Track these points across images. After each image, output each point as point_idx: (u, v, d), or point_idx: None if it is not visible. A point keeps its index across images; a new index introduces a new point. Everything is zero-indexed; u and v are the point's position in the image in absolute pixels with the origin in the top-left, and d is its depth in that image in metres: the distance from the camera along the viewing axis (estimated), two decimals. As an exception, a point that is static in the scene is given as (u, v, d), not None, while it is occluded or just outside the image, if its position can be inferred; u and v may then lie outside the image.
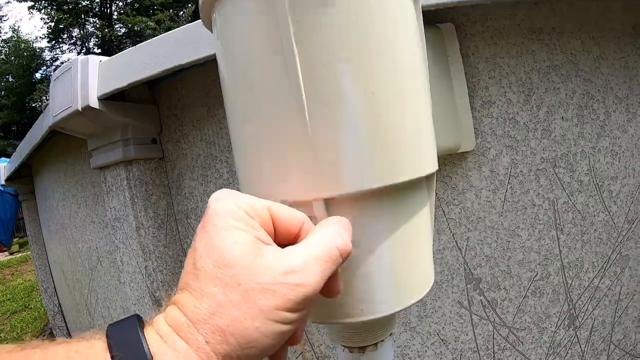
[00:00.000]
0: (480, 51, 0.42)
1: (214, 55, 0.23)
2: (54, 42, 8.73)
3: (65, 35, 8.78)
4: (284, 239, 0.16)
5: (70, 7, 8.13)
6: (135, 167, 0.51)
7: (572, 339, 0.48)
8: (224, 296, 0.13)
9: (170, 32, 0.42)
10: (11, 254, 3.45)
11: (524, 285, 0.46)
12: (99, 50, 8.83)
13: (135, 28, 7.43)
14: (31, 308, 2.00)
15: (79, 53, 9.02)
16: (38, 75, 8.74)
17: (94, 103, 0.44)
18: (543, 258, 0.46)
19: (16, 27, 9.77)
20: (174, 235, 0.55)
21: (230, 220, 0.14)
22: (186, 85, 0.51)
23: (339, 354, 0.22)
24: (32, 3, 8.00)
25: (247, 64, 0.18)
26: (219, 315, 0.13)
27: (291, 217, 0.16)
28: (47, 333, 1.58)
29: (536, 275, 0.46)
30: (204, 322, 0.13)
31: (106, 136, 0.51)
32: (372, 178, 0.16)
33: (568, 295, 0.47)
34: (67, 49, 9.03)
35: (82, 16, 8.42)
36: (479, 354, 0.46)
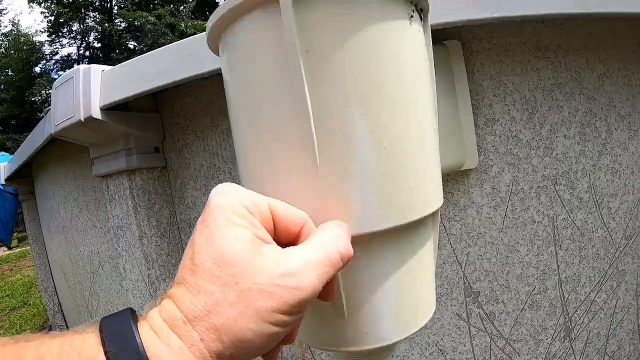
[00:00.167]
0: (485, 68, 0.43)
1: (219, 69, 0.23)
2: (53, 36, 8.66)
3: (65, 29, 8.71)
4: (284, 238, 0.15)
5: (70, 1, 8.06)
6: (138, 177, 0.51)
7: (567, 350, 0.49)
8: (221, 295, 0.13)
9: (174, 43, 0.42)
10: (10, 248, 3.44)
11: (522, 298, 0.46)
12: (99, 45, 8.77)
13: (136, 23, 7.37)
14: (30, 304, 2.00)
15: (78, 47, 8.96)
16: (37, 69, 8.68)
17: (97, 114, 0.44)
18: (541, 273, 0.46)
19: (16, 21, 9.67)
20: (176, 243, 0.55)
21: (231, 216, 0.14)
22: (190, 94, 0.51)
23: None
24: (32, -4, 7.92)
25: (255, 108, 0.18)
26: (215, 314, 0.13)
27: (293, 216, 0.15)
28: (46, 330, 1.59)
29: (534, 289, 0.46)
30: (199, 320, 0.13)
31: (108, 145, 0.51)
32: (380, 222, 0.17)
33: (564, 309, 0.47)
34: (67, 43, 8.98)
35: (82, 10, 8.34)
36: (476, 366, 0.47)
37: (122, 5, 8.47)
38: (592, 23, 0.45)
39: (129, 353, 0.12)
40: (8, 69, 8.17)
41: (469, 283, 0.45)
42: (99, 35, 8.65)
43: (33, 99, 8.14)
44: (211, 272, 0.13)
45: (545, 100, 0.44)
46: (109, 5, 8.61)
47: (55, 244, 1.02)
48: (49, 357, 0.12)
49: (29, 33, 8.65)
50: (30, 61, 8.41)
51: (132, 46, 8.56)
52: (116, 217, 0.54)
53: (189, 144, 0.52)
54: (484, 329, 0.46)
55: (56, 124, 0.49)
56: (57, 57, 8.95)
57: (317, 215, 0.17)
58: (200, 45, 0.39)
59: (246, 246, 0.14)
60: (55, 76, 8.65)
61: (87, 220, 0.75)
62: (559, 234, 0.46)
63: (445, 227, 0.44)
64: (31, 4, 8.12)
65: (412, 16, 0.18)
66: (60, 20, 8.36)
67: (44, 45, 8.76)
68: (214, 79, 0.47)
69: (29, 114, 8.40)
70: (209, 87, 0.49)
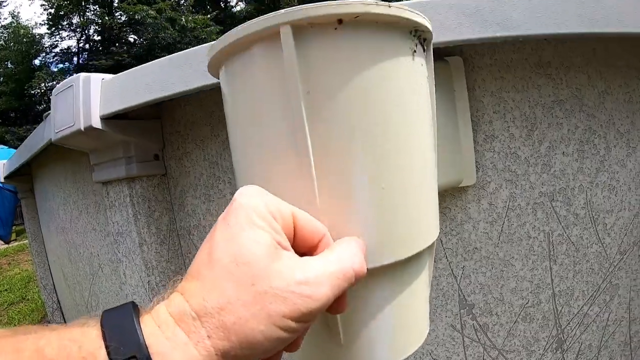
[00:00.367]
0: (486, 84, 0.43)
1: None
2: (53, 28, 8.57)
3: (65, 22, 8.62)
4: (302, 247, 0.16)
5: (70, -7, 7.97)
6: (138, 185, 0.51)
7: (560, 361, 0.49)
8: (236, 293, 0.13)
9: (176, 54, 0.42)
10: (7, 243, 3.44)
11: (515, 311, 0.47)
12: (99, 38, 8.69)
13: (136, 17, 7.30)
14: (28, 299, 2.00)
15: (78, 40, 8.88)
16: (37, 62, 8.62)
17: (97, 123, 0.45)
18: (535, 287, 0.47)
19: (16, 13, 9.57)
20: (176, 250, 0.55)
21: (254, 217, 0.14)
22: (190, 102, 0.51)
23: None
24: (32, -12, 7.82)
25: (255, 136, 0.18)
26: (227, 312, 0.13)
27: (313, 227, 0.16)
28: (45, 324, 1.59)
29: (527, 302, 0.47)
30: (209, 316, 0.13)
31: (108, 153, 0.51)
32: (378, 258, 0.17)
33: (557, 321, 0.48)
34: (67, 35, 8.89)
35: (83, 3, 8.26)
36: (469, 376, 0.47)
37: (123, -1, 8.37)
38: (596, 40, 0.45)
39: (130, 348, 0.12)
40: (7, 61, 8.11)
41: (463, 295, 0.46)
42: (99, 28, 8.57)
43: (32, 91, 8.09)
44: (228, 269, 0.13)
45: (545, 117, 0.44)
46: (109, -2, 8.52)
47: (54, 244, 1.03)
48: (48, 350, 0.11)
49: (29, 25, 8.57)
50: (30, 54, 8.35)
51: (132, 40, 8.50)
52: (116, 224, 0.54)
53: (188, 153, 0.53)
54: (477, 340, 0.47)
55: (56, 131, 0.49)
56: (57, 50, 8.89)
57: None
58: (203, 56, 0.39)
59: (266, 250, 0.14)
60: (55, 69, 8.60)
61: (87, 223, 0.76)
62: (554, 249, 0.46)
63: (442, 241, 0.45)
64: (31, -5, 8.02)
65: (415, 51, 0.18)
66: (60, 12, 8.28)
67: (43, 38, 8.69)
68: (215, 89, 0.47)
69: (28, 106, 8.35)
70: (208, 97, 0.49)
